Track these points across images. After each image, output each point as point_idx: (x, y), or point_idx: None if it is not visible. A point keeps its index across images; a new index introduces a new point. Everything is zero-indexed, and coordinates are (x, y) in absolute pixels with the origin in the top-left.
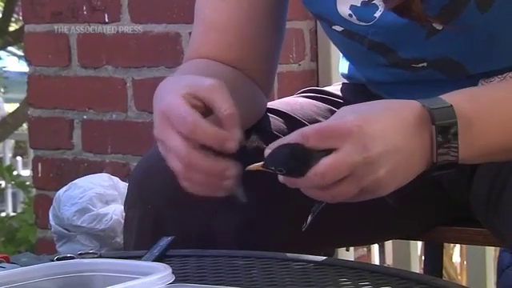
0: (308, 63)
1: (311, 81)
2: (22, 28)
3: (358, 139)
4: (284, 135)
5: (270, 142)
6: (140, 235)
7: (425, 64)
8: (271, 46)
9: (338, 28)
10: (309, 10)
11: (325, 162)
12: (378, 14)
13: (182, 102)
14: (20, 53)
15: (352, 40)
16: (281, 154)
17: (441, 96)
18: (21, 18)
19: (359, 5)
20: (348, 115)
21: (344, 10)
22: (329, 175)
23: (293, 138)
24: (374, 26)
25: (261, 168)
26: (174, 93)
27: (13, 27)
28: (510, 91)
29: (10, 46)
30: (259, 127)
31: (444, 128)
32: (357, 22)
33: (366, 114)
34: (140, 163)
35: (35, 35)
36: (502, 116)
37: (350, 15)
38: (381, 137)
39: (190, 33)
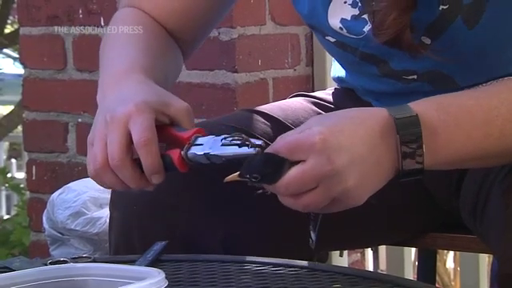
0: (303, 68)
1: (306, 86)
2: (17, 30)
3: (322, 152)
4: (271, 140)
5: None
6: (124, 236)
7: (415, 76)
8: (209, 24)
9: (331, 39)
10: (303, 20)
11: (290, 174)
12: (366, 29)
13: (144, 115)
14: (15, 55)
15: (344, 51)
16: (256, 162)
17: (410, 103)
18: (16, 20)
19: (349, 18)
20: (313, 127)
21: (335, 23)
22: (292, 186)
23: (268, 149)
24: (365, 39)
25: (237, 178)
26: (131, 102)
27: (8, 29)
28: (479, 99)
29: (5, 48)
30: (248, 132)
31: (408, 138)
32: (348, 35)
33: (330, 126)
34: None
35: (31, 38)
36: (469, 125)
37: (341, 28)
38: (345, 148)
39: None
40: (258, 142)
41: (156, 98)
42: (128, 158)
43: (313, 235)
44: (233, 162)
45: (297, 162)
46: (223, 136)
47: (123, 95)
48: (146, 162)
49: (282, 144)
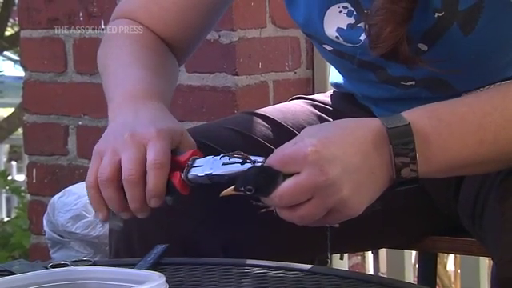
0: (304, 71)
1: (307, 88)
2: (17, 33)
3: (314, 163)
4: (271, 143)
5: (257, 149)
6: (124, 239)
7: (413, 82)
8: (204, 31)
9: (328, 47)
10: (300, 29)
11: (283, 185)
12: (363, 37)
13: (163, 142)
14: (16, 57)
15: (342, 58)
16: (250, 174)
17: (402, 113)
18: (17, 22)
19: (345, 27)
20: (305, 139)
21: (331, 32)
22: (286, 198)
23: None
24: (361, 47)
25: (232, 192)
26: (152, 127)
27: (9, 32)
28: (472, 106)
29: (5, 50)
30: (248, 134)
31: (401, 147)
32: (344, 44)
33: (321, 137)
34: None
35: (31, 41)
36: (462, 132)
37: (337, 37)
38: (338, 158)
39: None
40: (260, 159)
41: (174, 127)
42: (143, 176)
43: (329, 256)
44: (236, 180)
45: (292, 175)
46: (222, 155)
47: (143, 119)
48: (152, 183)
49: (275, 158)
